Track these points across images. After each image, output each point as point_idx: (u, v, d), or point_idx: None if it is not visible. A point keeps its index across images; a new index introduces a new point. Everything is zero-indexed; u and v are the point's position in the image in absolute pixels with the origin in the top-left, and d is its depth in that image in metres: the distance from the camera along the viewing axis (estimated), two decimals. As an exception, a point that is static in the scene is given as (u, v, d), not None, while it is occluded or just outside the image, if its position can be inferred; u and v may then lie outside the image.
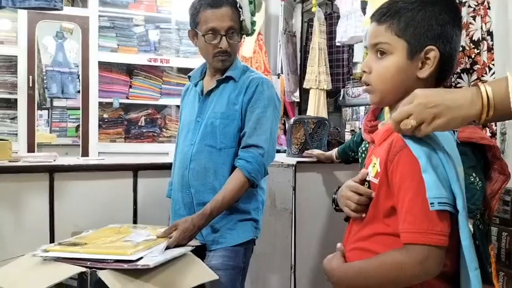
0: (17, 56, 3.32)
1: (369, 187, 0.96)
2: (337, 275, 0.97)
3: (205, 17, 1.58)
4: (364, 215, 0.95)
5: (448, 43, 0.92)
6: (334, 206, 1.13)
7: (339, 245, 1.04)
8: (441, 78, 0.96)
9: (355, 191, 0.97)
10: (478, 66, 1.95)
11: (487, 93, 0.78)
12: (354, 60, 3.24)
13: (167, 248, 1.29)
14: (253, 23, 1.74)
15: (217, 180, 1.56)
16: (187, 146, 1.62)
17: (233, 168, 1.56)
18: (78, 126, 3.68)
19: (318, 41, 3.19)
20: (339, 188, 1.09)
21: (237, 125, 1.59)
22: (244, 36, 1.76)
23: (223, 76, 1.62)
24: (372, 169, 0.95)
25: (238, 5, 1.62)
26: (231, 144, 1.58)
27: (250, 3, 1.71)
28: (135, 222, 1.90)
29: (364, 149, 1.58)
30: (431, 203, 0.82)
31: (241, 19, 1.63)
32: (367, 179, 0.97)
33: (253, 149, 1.54)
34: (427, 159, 0.83)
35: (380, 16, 0.95)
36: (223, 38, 1.57)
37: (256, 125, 1.56)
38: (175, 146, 1.81)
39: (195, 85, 1.71)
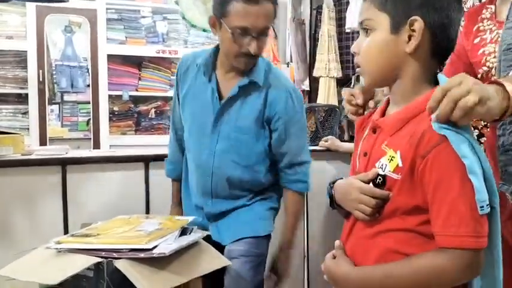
0: (26, 51, 3.33)
1: (383, 181, 0.87)
2: (357, 281, 0.89)
3: (238, 11, 1.36)
4: (377, 216, 0.88)
5: (436, 11, 0.84)
6: (332, 205, 1.02)
7: (337, 242, 0.97)
8: (439, 54, 0.89)
9: (370, 195, 0.88)
10: None
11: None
12: (364, 47, 3.21)
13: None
14: None
15: (243, 190, 1.57)
16: (206, 154, 1.54)
17: (257, 179, 1.57)
18: (89, 120, 3.70)
19: (327, 28, 3.15)
20: (333, 183, 1.02)
21: (264, 140, 1.54)
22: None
23: (247, 82, 1.48)
24: (389, 163, 0.86)
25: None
26: (257, 161, 1.55)
27: None
28: (147, 213, 1.91)
29: None
30: (481, 207, 0.78)
31: (276, 15, 1.45)
32: (382, 173, 0.87)
33: (302, 166, 1.57)
34: (472, 158, 0.78)
35: None
36: (254, 40, 1.39)
37: (297, 142, 1.54)
38: (173, 118, 1.71)
39: (209, 80, 1.52)
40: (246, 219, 1.56)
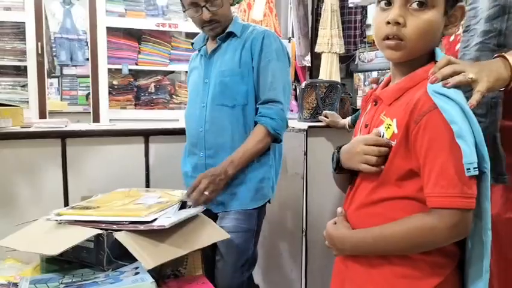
0: (24, 23, 3.28)
1: None
2: (352, 242, 0.95)
3: None
4: (382, 167, 0.91)
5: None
6: (336, 169, 1.03)
7: (339, 209, 1.01)
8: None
9: (374, 143, 0.91)
10: None
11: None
12: (368, 22, 3.16)
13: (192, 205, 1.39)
14: None
15: (234, 140, 1.56)
16: (199, 108, 1.61)
17: (247, 124, 1.57)
18: (89, 94, 3.68)
19: (330, 2, 3.10)
20: (339, 148, 1.03)
21: (248, 81, 1.57)
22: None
23: (224, 33, 1.60)
24: (386, 131, 0.90)
25: None
26: (243, 101, 1.57)
27: None
28: (147, 186, 1.91)
29: None
30: (467, 169, 0.80)
31: None
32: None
33: (273, 104, 1.55)
34: (460, 123, 0.81)
35: None
36: (204, 8, 1.52)
37: (272, 79, 1.55)
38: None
39: (199, 50, 1.69)
40: (236, 190, 1.56)
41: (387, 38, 0.89)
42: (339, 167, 1.02)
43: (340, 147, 1.03)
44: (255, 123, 1.57)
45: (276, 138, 1.57)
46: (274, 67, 1.57)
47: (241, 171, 1.55)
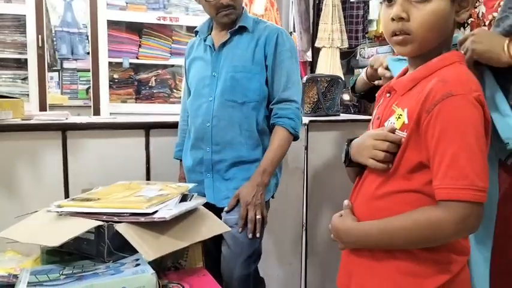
0: (25, 15, 3.27)
1: None
2: (357, 234, 0.92)
3: None
4: (390, 166, 0.89)
5: None
6: (346, 161, 1.02)
7: (346, 202, 0.99)
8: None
9: (383, 139, 0.89)
10: (472, 19, 1.88)
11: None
12: (370, 17, 3.14)
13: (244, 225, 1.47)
14: None
15: (242, 135, 1.56)
16: (206, 102, 1.58)
17: (256, 122, 1.57)
18: (89, 88, 3.66)
19: (331, -4, 3.09)
20: (351, 141, 1.02)
21: (260, 78, 1.56)
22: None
23: (236, 27, 1.57)
24: (397, 121, 0.88)
25: None
26: (253, 98, 1.57)
27: None
28: (148, 179, 1.91)
29: None
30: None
31: None
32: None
33: (289, 104, 1.56)
34: None
35: None
36: None
37: (287, 79, 1.56)
38: (183, 105, 1.79)
39: (204, 40, 1.65)
40: (242, 184, 1.56)
41: (395, 34, 0.89)
42: (348, 160, 1.01)
43: (352, 140, 1.02)
44: (273, 125, 1.58)
45: (295, 137, 1.59)
46: (288, 66, 1.58)
47: (247, 168, 1.57)
